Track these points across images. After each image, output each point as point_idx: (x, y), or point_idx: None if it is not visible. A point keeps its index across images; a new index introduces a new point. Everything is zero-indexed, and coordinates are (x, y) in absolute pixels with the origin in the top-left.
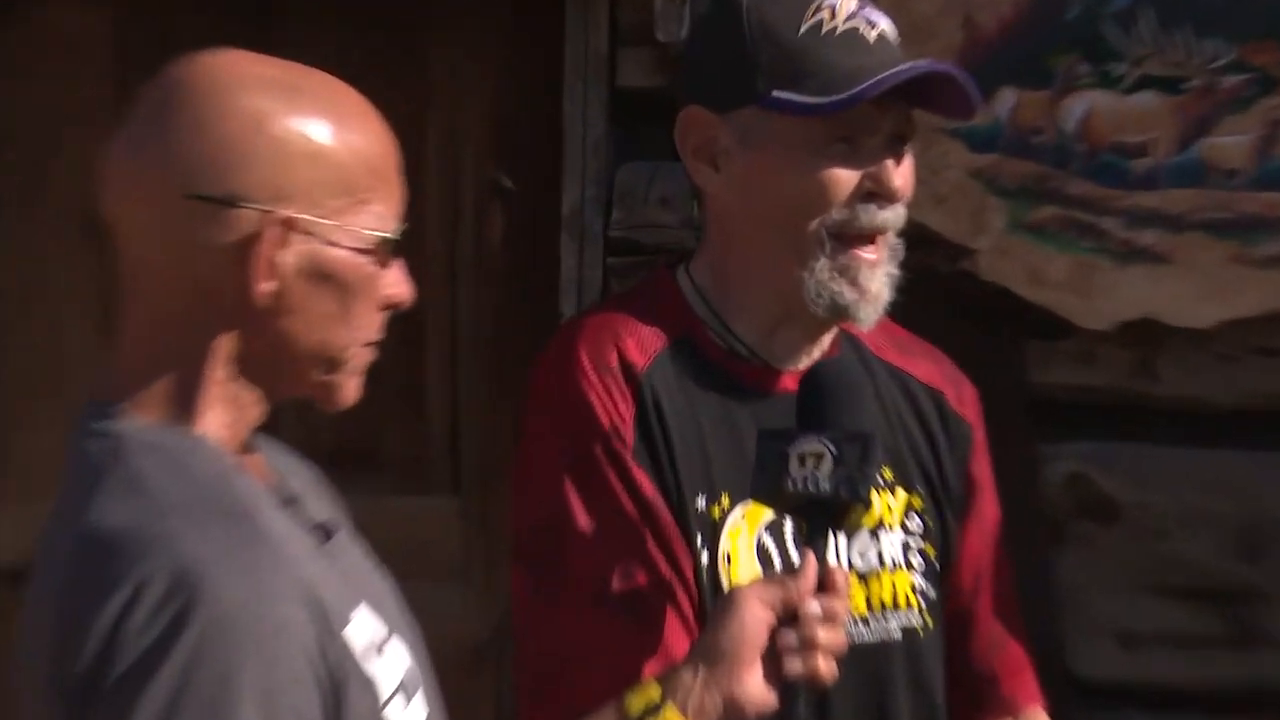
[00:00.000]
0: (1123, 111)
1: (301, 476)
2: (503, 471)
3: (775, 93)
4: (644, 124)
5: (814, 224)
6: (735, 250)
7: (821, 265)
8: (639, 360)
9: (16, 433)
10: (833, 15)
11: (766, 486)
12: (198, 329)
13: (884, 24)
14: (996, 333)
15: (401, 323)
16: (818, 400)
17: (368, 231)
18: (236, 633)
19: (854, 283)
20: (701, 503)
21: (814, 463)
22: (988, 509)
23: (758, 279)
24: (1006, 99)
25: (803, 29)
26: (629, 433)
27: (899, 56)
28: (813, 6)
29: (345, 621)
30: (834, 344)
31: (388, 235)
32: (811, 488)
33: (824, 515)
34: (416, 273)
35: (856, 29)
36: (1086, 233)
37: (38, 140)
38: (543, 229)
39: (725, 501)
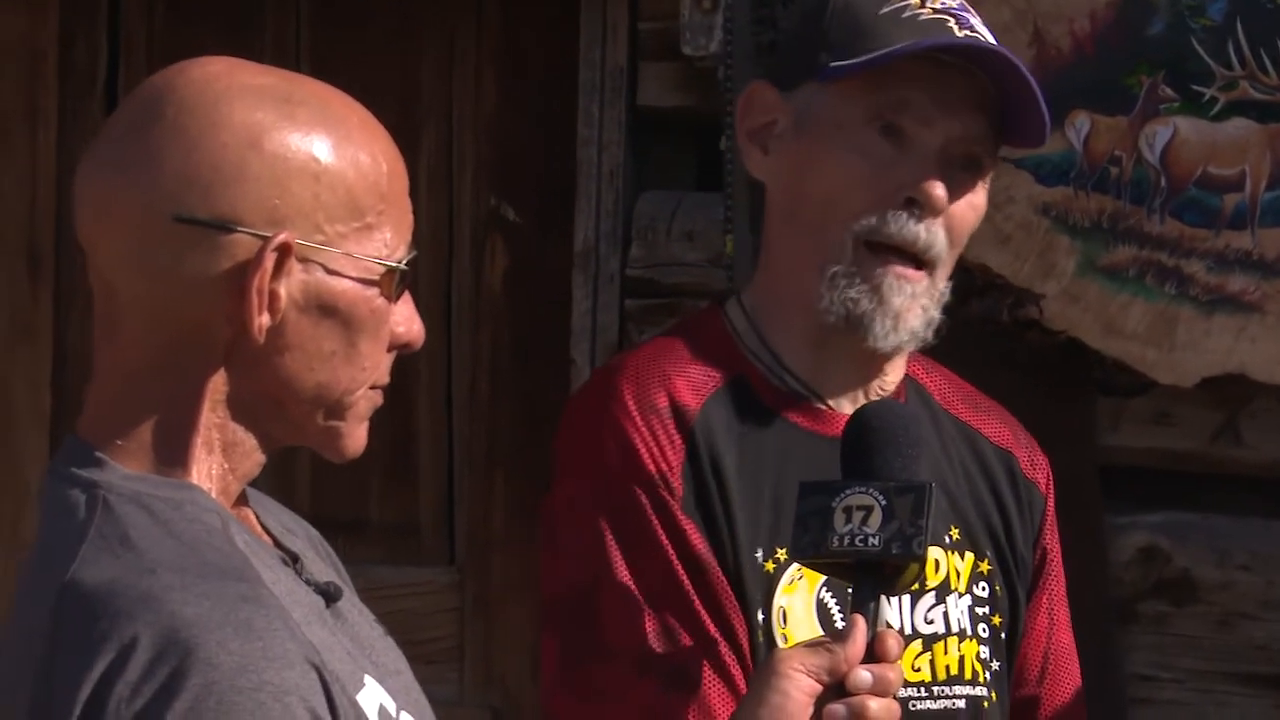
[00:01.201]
0: (1211, 140)
1: (299, 536)
2: (502, 539)
3: (830, 64)
4: (667, 148)
5: (837, 226)
6: (775, 255)
7: (840, 270)
8: (690, 402)
9: None
10: (922, 4)
11: (808, 545)
12: (185, 368)
13: (983, 31)
14: (1062, 388)
15: (390, 371)
16: (864, 446)
17: (375, 260)
18: (234, 700)
19: (875, 290)
20: (758, 556)
21: (861, 517)
22: (1058, 586)
23: (788, 287)
24: (1080, 125)
25: (884, 10)
26: (678, 482)
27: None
28: None
29: (356, 689)
30: (899, 390)
31: (397, 265)
32: (859, 545)
33: (874, 575)
34: None
35: (943, 21)
36: (1168, 277)
37: None
38: (551, 267)
39: (781, 555)
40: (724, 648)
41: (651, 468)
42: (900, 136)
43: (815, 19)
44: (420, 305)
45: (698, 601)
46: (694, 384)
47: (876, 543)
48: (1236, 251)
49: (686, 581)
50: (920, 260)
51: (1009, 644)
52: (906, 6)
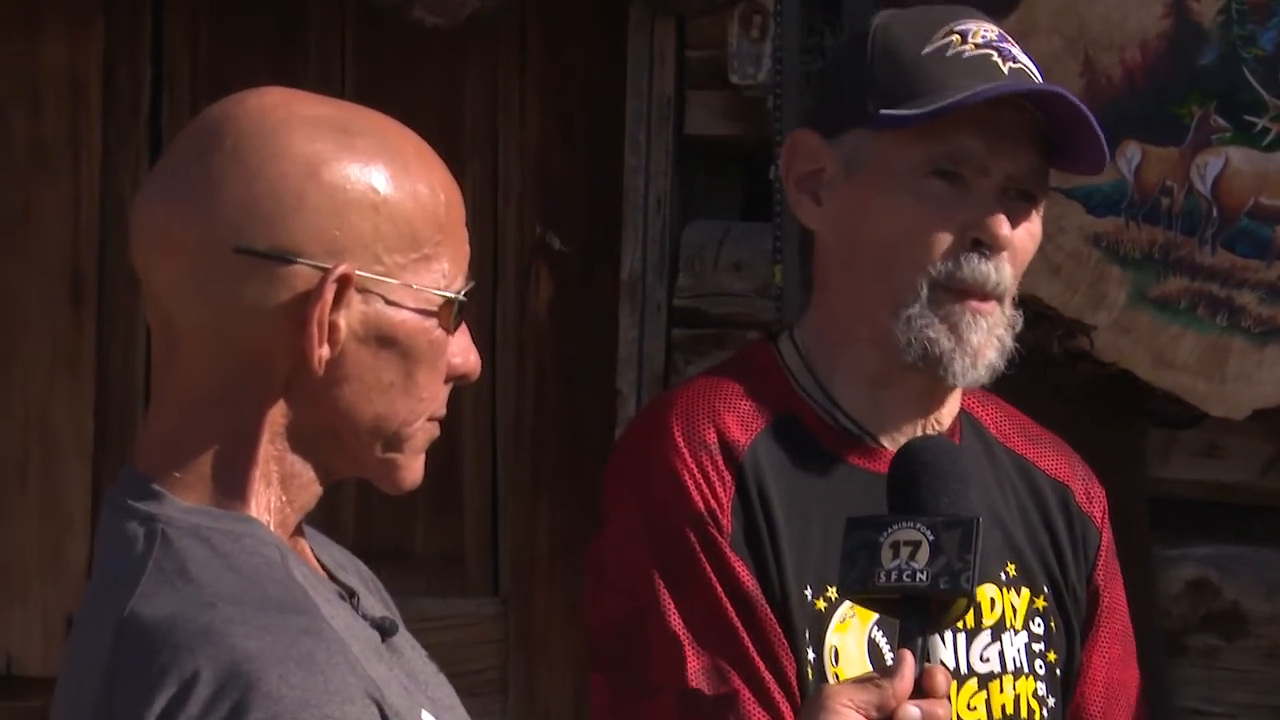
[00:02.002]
0: (1263, 171)
1: (352, 572)
2: (547, 570)
3: (881, 111)
4: (714, 177)
5: (911, 271)
6: (833, 297)
7: (916, 311)
8: (740, 438)
9: None
10: (964, 40)
11: (855, 580)
12: (243, 400)
13: (1026, 62)
14: (1113, 420)
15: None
16: (911, 481)
17: (433, 291)
18: None
19: (953, 329)
20: (808, 594)
21: (909, 552)
22: (1116, 622)
23: (854, 329)
24: (1131, 155)
25: (927, 50)
26: (726, 519)
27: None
28: (944, 29)
29: None
30: (954, 425)
31: (454, 296)
32: (907, 580)
33: (921, 611)
34: None
35: (988, 57)
36: (1219, 308)
37: (14, 184)
38: (597, 296)
39: (833, 593)
40: (772, 685)
41: (700, 505)
42: (958, 179)
43: (855, 62)
44: None
45: (746, 639)
46: (744, 420)
47: (924, 578)
48: None
49: (735, 619)
50: (989, 294)
51: (1065, 680)
52: (949, 44)
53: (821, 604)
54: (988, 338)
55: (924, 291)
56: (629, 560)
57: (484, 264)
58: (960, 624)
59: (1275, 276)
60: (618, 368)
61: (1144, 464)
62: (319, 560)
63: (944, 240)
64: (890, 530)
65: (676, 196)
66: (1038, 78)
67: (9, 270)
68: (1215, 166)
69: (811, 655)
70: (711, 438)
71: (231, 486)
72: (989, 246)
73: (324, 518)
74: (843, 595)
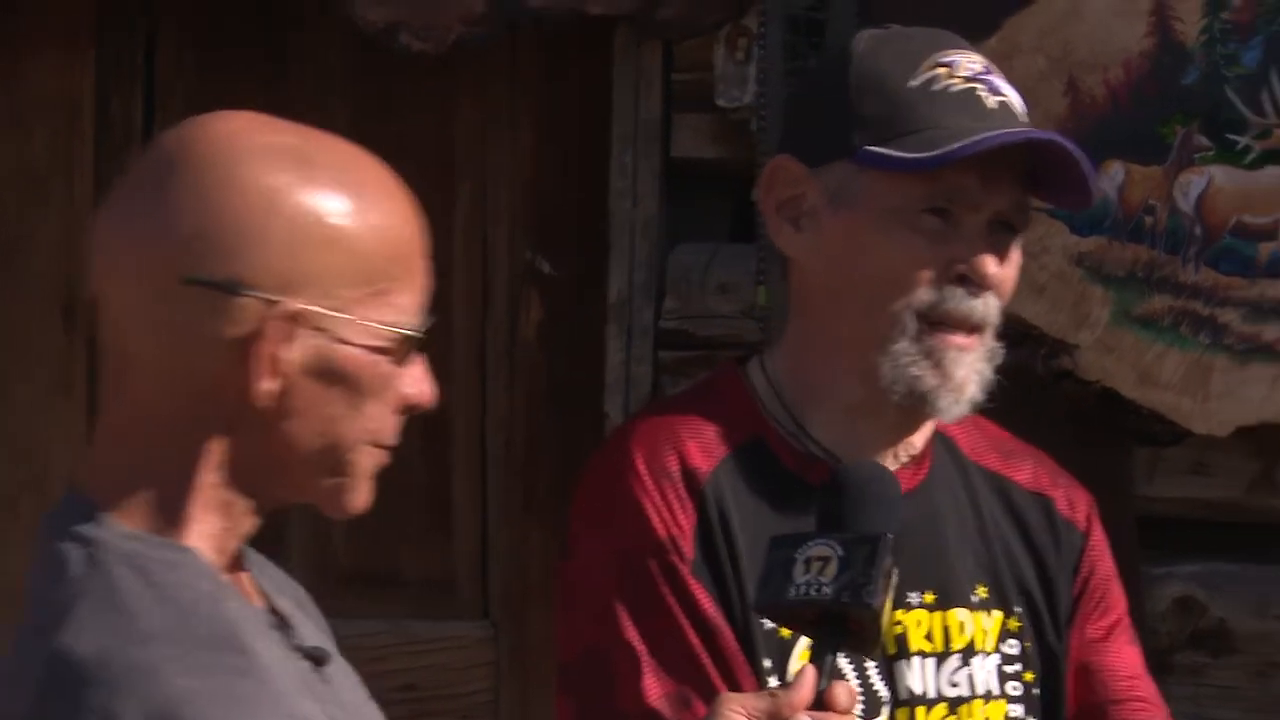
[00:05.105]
0: (1246, 189)
1: (288, 594)
2: (538, 593)
3: (869, 147)
4: (701, 200)
5: (898, 304)
6: (815, 326)
7: (902, 347)
8: (702, 465)
9: None
10: (950, 73)
11: (769, 595)
12: (190, 428)
13: (1010, 95)
14: (1097, 439)
15: (424, 425)
16: (836, 503)
17: (385, 327)
18: None
19: (937, 366)
20: (769, 621)
21: (819, 567)
22: (1113, 612)
23: (837, 360)
24: (1115, 174)
25: (913, 83)
26: (688, 546)
27: (1020, 126)
28: (929, 61)
29: None
30: (926, 448)
31: (408, 332)
32: (813, 594)
33: (831, 628)
34: (440, 368)
35: (974, 90)
36: (1203, 326)
37: (7, 210)
38: (585, 319)
39: None
40: None
41: (662, 532)
42: (949, 214)
43: (836, 91)
44: (456, 358)
45: (709, 665)
46: (706, 446)
47: (829, 591)
48: (1272, 300)
49: (697, 645)
50: (974, 327)
51: (1046, 698)
52: (935, 77)
53: (786, 630)
54: (970, 372)
55: (910, 324)
56: (593, 588)
57: (474, 288)
58: (927, 647)
59: (1258, 294)
60: (605, 391)
61: (1131, 483)
62: (258, 584)
63: (928, 270)
64: (806, 547)
65: (664, 219)
66: (1019, 108)
67: (1, 296)
68: (1198, 185)
69: (775, 682)
70: (673, 465)
71: (171, 514)
72: (976, 284)
73: (314, 542)
74: (757, 612)
